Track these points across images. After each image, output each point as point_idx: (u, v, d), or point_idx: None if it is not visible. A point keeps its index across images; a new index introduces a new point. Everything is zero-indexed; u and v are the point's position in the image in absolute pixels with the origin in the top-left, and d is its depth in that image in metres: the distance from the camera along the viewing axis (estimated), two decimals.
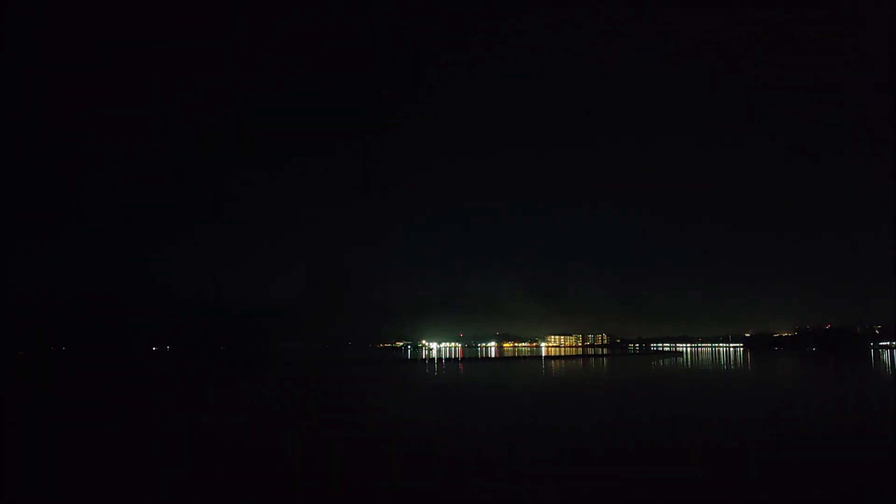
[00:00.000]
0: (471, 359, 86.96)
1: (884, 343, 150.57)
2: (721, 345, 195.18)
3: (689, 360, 79.89)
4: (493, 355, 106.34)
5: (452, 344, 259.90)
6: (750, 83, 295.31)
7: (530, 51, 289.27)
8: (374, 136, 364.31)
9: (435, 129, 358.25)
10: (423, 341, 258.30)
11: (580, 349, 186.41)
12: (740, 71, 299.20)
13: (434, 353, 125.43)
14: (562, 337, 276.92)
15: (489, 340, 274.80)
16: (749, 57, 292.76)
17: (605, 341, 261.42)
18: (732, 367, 59.89)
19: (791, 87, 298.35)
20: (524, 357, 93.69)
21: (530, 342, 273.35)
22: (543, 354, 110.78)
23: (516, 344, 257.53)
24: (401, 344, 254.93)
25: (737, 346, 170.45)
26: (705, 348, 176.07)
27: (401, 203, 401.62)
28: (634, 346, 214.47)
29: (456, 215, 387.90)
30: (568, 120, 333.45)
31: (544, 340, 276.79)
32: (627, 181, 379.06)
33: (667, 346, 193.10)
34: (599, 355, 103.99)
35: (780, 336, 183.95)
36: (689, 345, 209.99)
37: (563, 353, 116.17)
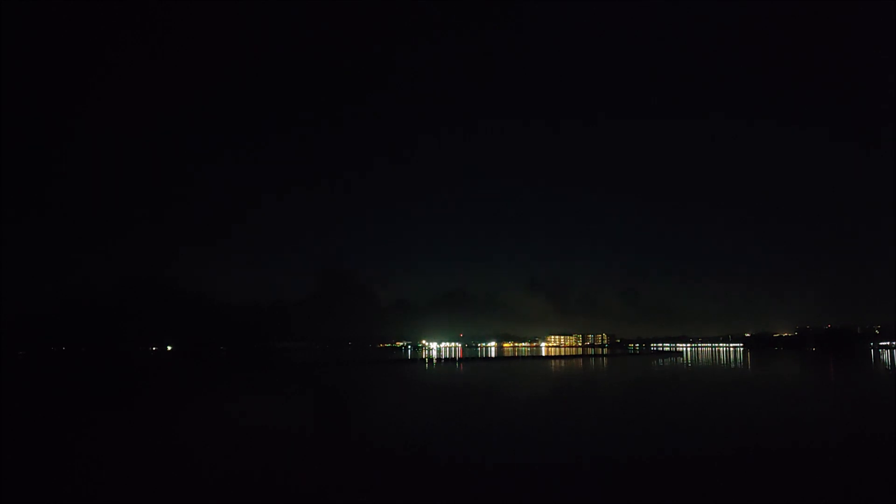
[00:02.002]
0: (471, 359, 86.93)
1: (884, 343, 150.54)
2: (721, 345, 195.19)
3: (689, 360, 79.84)
4: (493, 355, 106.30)
5: (452, 344, 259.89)
6: (753, 80, 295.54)
7: (528, 37, 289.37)
8: (368, 135, 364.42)
9: (434, 125, 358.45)
10: (423, 341, 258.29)
11: (580, 349, 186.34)
12: (742, 68, 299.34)
13: (434, 353, 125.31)
14: (562, 337, 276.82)
15: (489, 340, 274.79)
16: (754, 52, 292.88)
17: (605, 341, 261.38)
18: (733, 367, 59.85)
19: (794, 86, 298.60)
20: (524, 357, 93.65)
21: (530, 342, 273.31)
22: (543, 354, 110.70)
23: (516, 344, 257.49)
24: (401, 344, 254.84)
25: (737, 346, 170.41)
26: (705, 348, 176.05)
27: (401, 203, 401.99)
28: (634, 346, 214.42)
29: (456, 216, 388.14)
30: (567, 109, 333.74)
31: (544, 340, 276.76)
32: (628, 183, 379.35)
33: (667, 346, 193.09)
34: (599, 355, 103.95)
35: (780, 336, 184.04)
36: (689, 345, 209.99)
37: (563, 353, 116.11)
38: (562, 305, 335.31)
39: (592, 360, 79.24)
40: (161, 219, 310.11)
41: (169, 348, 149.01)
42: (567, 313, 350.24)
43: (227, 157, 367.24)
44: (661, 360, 77.25)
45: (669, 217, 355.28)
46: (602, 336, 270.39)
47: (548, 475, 12.08)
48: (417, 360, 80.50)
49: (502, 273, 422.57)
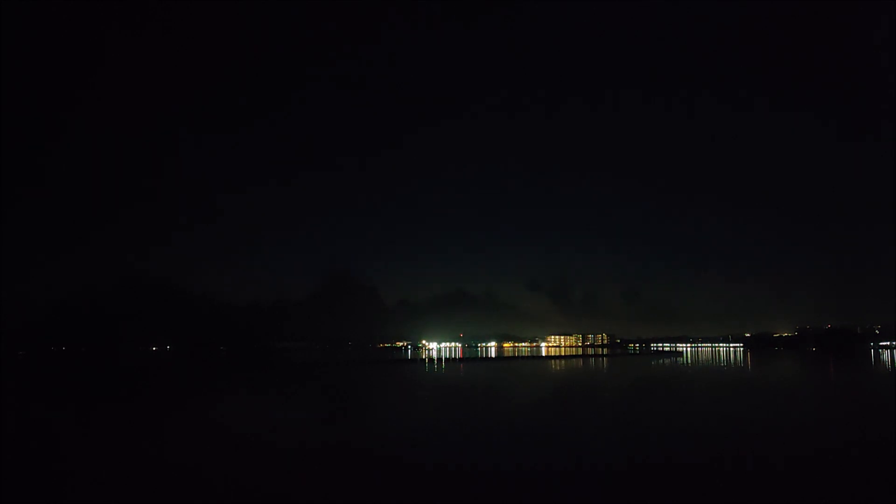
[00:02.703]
0: (471, 359, 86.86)
1: (884, 343, 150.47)
2: (721, 345, 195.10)
3: (689, 360, 79.77)
4: (493, 355, 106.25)
5: (452, 344, 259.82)
6: (754, 81, 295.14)
7: (530, 36, 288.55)
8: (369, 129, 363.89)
9: (434, 123, 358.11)
10: (423, 341, 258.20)
11: (580, 349, 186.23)
12: (744, 70, 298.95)
13: (434, 353, 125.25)
14: (562, 337, 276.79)
15: (489, 340, 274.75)
16: (755, 53, 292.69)
17: (605, 341, 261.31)
18: (733, 367, 59.77)
19: (795, 88, 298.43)
20: (524, 357, 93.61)
21: (530, 342, 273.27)
22: (543, 354, 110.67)
23: (516, 344, 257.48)
24: (401, 344, 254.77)
25: (737, 346, 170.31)
26: (705, 348, 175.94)
27: (401, 204, 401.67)
28: (634, 346, 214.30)
29: (456, 216, 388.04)
30: (568, 112, 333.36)
31: (544, 340, 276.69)
32: (629, 185, 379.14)
33: (667, 346, 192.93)
34: (599, 355, 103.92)
35: (780, 336, 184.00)
36: (689, 345, 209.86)
37: (563, 353, 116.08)
38: (562, 305, 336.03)
39: (592, 361, 79.18)
40: (162, 218, 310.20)
41: (168, 348, 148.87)
42: (567, 313, 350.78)
43: (228, 156, 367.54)
44: (661, 360, 77.23)
45: (670, 218, 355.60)
46: (602, 336, 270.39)
47: (548, 479, 11.93)
48: (417, 361, 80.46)
49: (503, 273, 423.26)
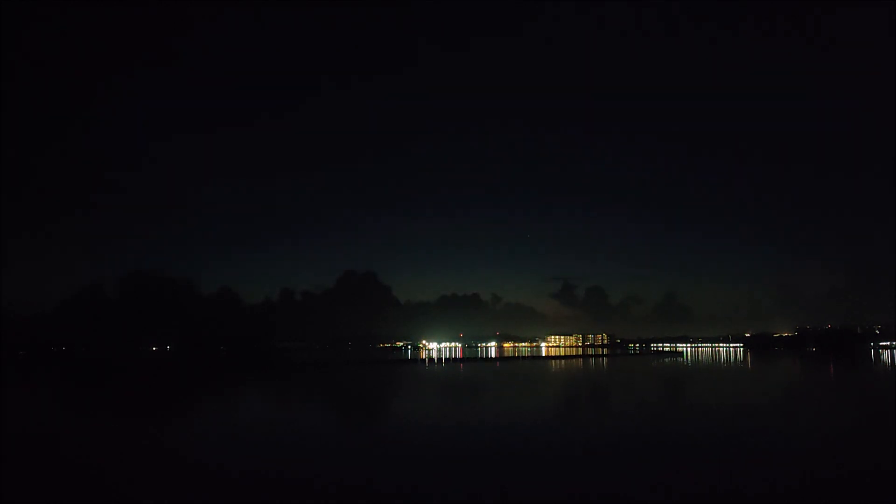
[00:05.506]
0: (471, 359, 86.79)
1: (884, 343, 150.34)
2: (721, 345, 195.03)
3: (689, 360, 79.77)
4: (493, 356, 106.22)
5: (452, 344, 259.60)
6: (755, 83, 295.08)
7: (531, 44, 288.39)
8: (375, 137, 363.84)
9: (438, 122, 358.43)
10: (423, 341, 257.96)
11: (580, 349, 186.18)
12: (746, 72, 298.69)
13: (434, 354, 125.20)
14: (562, 337, 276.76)
15: (489, 340, 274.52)
16: (758, 53, 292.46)
17: (605, 341, 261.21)
18: (733, 368, 59.74)
19: (795, 89, 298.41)
20: (524, 357, 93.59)
21: (530, 342, 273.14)
22: (543, 354, 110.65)
23: (516, 344, 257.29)
24: (401, 344, 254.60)
25: (737, 346, 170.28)
26: (705, 348, 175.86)
27: (401, 203, 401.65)
28: (634, 347, 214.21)
29: (456, 217, 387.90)
30: (570, 113, 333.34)
31: (544, 340, 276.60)
32: (629, 186, 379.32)
33: (667, 346, 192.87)
34: (600, 356, 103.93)
35: (780, 336, 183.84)
36: (689, 345, 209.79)
37: (563, 354, 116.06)
38: (562, 305, 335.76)
39: (593, 361, 79.18)
40: (163, 217, 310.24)
41: (169, 348, 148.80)
42: (567, 313, 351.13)
43: (229, 158, 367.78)
44: (662, 360, 77.31)
45: (669, 219, 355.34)
46: (602, 336, 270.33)
47: None
48: (417, 361, 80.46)
49: (503, 273, 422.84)
